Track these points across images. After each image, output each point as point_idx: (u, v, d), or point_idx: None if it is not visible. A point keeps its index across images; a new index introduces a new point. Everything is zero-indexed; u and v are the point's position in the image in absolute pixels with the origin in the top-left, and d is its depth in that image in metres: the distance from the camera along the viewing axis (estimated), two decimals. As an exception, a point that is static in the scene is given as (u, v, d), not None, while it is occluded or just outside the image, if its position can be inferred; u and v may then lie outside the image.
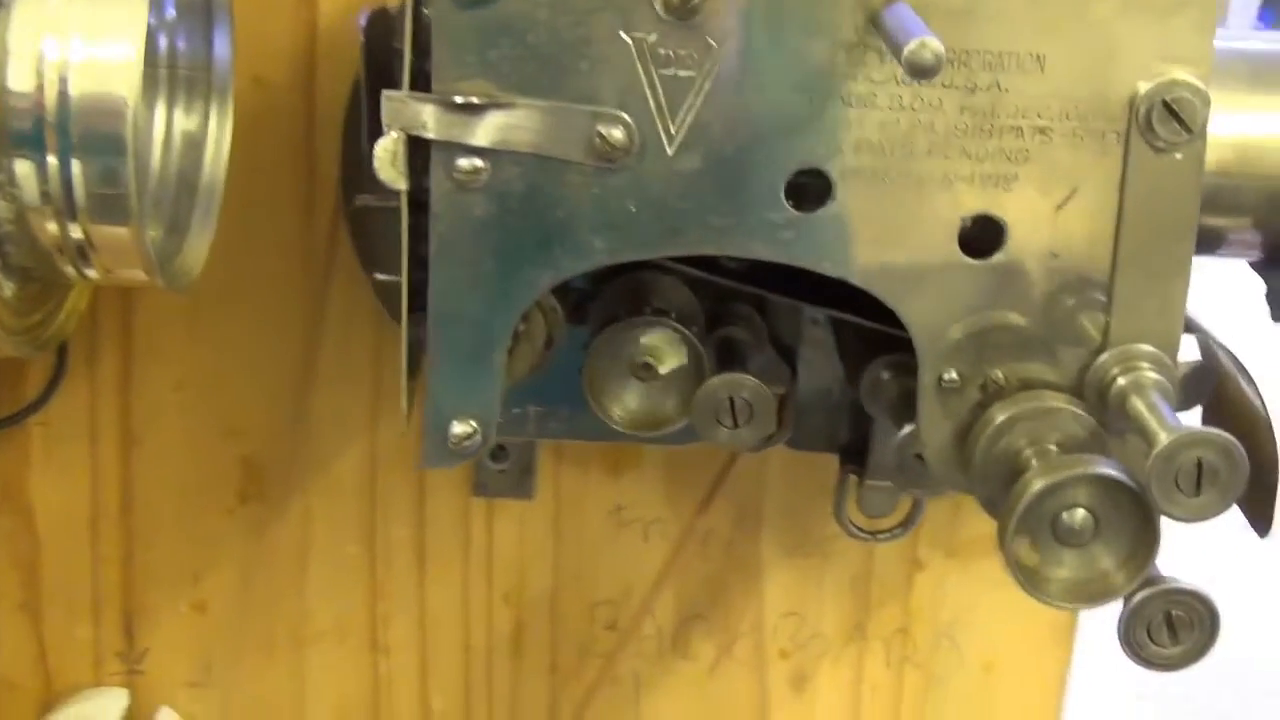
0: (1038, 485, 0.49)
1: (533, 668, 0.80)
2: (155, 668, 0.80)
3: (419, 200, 0.53)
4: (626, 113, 0.51)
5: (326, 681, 0.80)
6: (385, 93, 0.51)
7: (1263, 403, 0.57)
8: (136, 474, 0.77)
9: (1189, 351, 0.58)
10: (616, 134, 0.51)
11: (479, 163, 0.51)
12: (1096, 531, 0.49)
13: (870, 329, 0.58)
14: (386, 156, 0.51)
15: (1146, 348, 0.53)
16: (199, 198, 0.62)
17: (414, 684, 0.80)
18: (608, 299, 0.61)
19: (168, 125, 0.63)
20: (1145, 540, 0.49)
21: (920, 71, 0.44)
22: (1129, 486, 0.49)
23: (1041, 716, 0.82)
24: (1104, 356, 0.53)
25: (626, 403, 0.58)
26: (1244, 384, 0.58)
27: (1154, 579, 0.49)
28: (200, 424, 0.76)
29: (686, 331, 0.58)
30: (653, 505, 0.78)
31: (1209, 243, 0.57)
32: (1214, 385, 0.56)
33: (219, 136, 0.63)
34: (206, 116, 0.63)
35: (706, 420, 0.57)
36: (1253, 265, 0.59)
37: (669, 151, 0.51)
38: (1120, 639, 0.49)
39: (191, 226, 0.61)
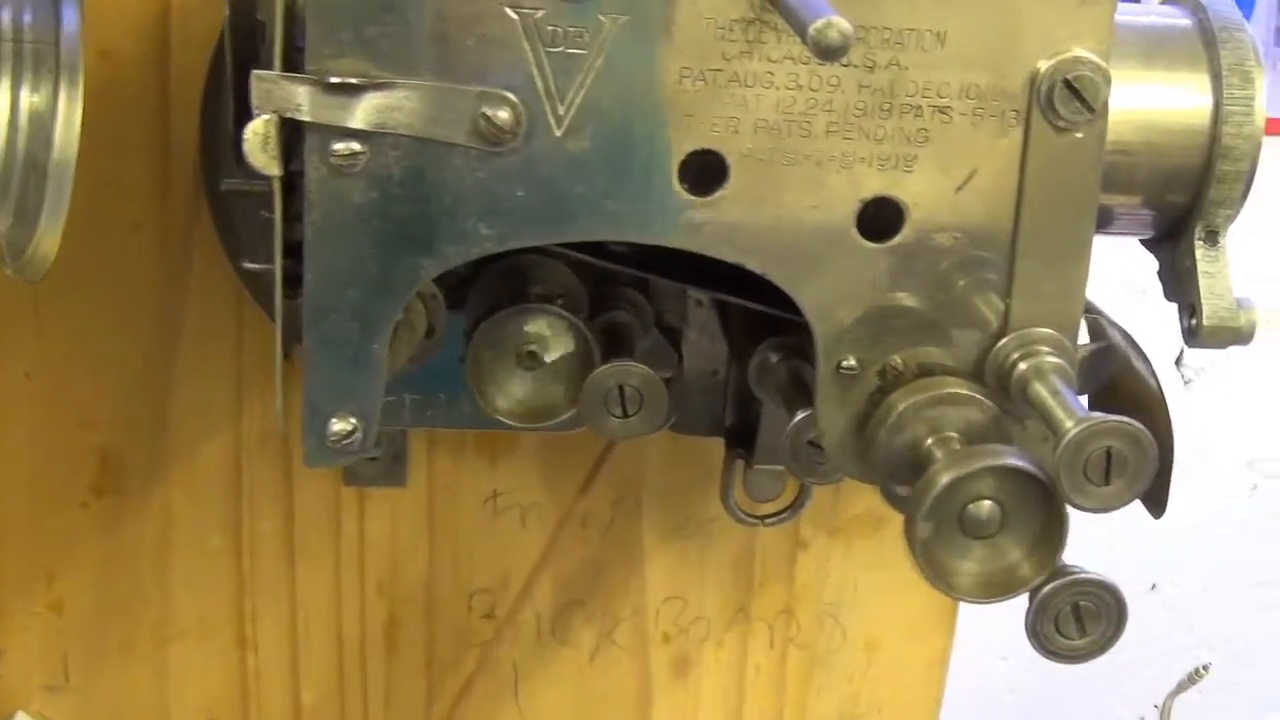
0: (944, 478, 0.48)
1: (408, 660, 0.78)
2: (9, 671, 0.76)
3: (292, 184, 0.50)
4: (513, 93, 0.49)
5: (191, 680, 0.77)
6: (255, 73, 0.48)
7: (1157, 383, 0.56)
8: (-16, 469, 0.73)
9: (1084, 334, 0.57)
10: (502, 115, 0.48)
11: (356, 146, 0.48)
12: (1004, 523, 0.48)
13: (757, 310, 0.56)
14: (257, 140, 0.48)
15: (1047, 331, 0.52)
16: (49, 180, 0.58)
17: (284, 679, 0.77)
18: (487, 284, 0.59)
19: (13, 103, 0.59)
20: (1053, 531, 0.48)
21: (827, 52, 0.42)
22: (1037, 477, 0.47)
23: (924, 692, 0.81)
24: (1004, 341, 0.52)
25: (511, 393, 0.56)
26: (1138, 364, 0.57)
27: (1061, 570, 0.48)
28: (52, 415, 0.72)
29: (573, 318, 0.55)
30: (530, 490, 0.76)
31: (1102, 220, 0.56)
32: (1112, 369, 0.55)
33: (69, 114, 0.59)
34: (55, 93, 0.59)
35: (596, 410, 0.55)
36: (1145, 243, 0.58)
37: (558, 133, 0.49)
38: (1028, 631, 0.48)
39: (42, 212, 0.57)
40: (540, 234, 0.50)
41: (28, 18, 0.58)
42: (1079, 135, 0.50)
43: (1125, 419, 0.46)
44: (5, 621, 0.75)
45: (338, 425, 0.51)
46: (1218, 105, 0.54)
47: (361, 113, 0.48)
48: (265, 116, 0.48)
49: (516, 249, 0.52)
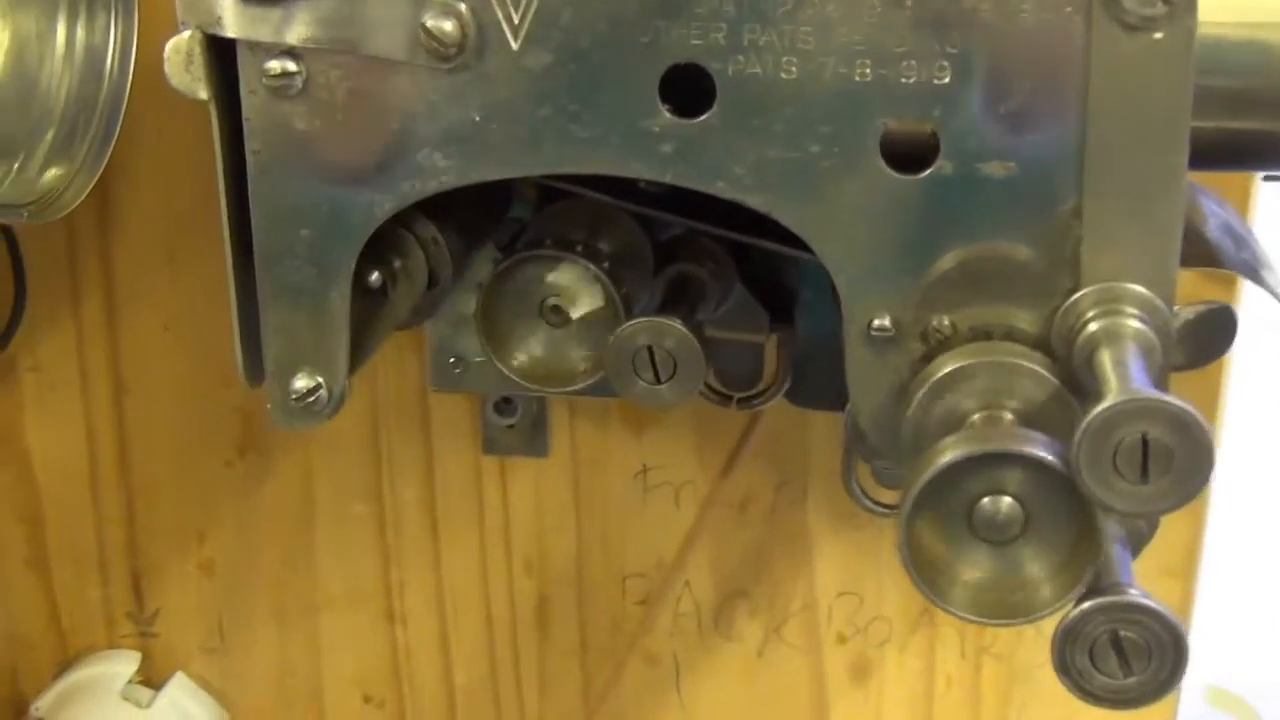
0: (949, 457, 0.38)
1: (561, 644, 0.72)
2: (167, 630, 0.74)
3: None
4: (460, -1, 0.42)
5: (343, 652, 0.73)
6: (177, -17, 0.43)
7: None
8: (130, 423, 0.71)
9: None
10: (446, 26, 0.42)
11: (291, 65, 0.43)
12: (1026, 528, 0.38)
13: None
14: (179, 59, 0.43)
15: (1132, 288, 0.41)
16: (97, 118, 0.55)
17: (435, 658, 0.73)
18: (535, 229, 0.52)
19: (68, 37, 0.56)
20: (1087, 546, 0.37)
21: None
22: (1066, 476, 0.37)
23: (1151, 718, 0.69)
24: (1075, 297, 0.41)
25: (529, 350, 0.49)
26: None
27: (1099, 588, 0.38)
28: (192, 370, 0.70)
29: (597, 268, 0.48)
30: (683, 466, 0.68)
31: (1245, 151, 0.44)
32: (1234, 336, 0.43)
33: (123, 48, 0.56)
34: (110, 26, 0.56)
35: (622, 371, 0.48)
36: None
37: (514, 46, 0.42)
38: (1055, 664, 0.38)
39: (83, 150, 0.55)
40: (503, 165, 0.43)
41: (80, -52, 0.55)
42: (1157, 36, 0.39)
43: (1174, 399, 0.36)
44: (161, 580, 0.74)
45: (300, 382, 0.46)
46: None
47: (291, 26, 0.42)
48: (189, 32, 0.43)
49: (566, 187, 0.46)
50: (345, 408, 0.68)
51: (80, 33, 0.56)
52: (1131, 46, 0.39)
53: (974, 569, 0.38)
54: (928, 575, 0.38)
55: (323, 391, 0.46)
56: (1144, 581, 0.66)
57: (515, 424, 0.68)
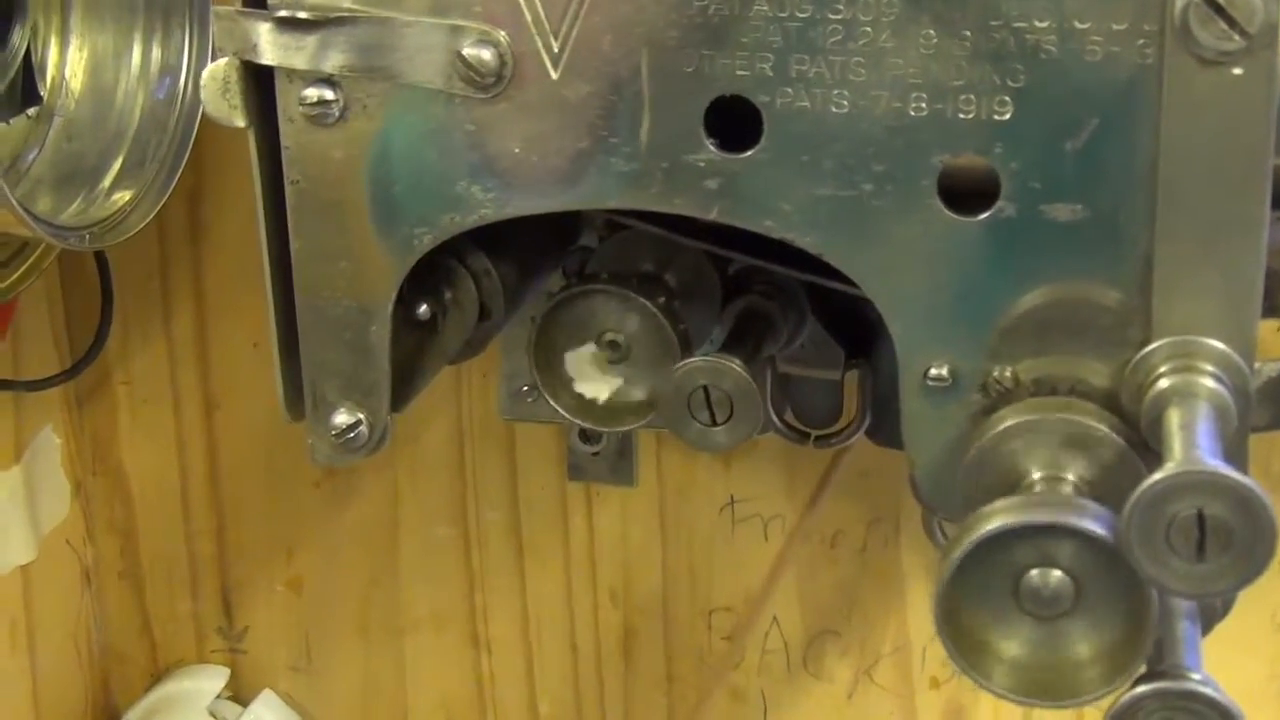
0: (995, 524, 0.35)
1: (646, 677, 0.70)
2: (256, 647, 0.74)
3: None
4: (499, 26, 0.40)
5: (427, 675, 0.72)
6: (215, 9, 0.42)
7: None
8: (220, 439, 0.71)
9: None
10: (484, 55, 0.40)
11: (328, 93, 0.41)
12: (1077, 604, 0.35)
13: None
14: (215, 86, 0.42)
15: (1209, 343, 0.38)
16: (168, 140, 0.55)
17: (519, 685, 0.71)
18: (600, 259, 0.50)
19: (144, 58, 0.55)
20: (1140, 629, 0.34)
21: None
22: (1120, 552, 0.34)
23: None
24: (1146, 351, 0.38)
25: (581, 385, 0.47)
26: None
27: (1158, 671, 0.35)
28: (280, 388, 0.69)
29: (654, 303, 0.46)
30: (772, 499, 0.66)
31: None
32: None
33: (198, 68, 0.55)
34: (184, 45, 0.55)
35: (677, 412, 0.46)
36: None
37: (553, 75, 0.40)
38: (1103, 753, 0.35)
39: (154, 173, 0.54)
40: (544, 199, 0.41)
41: (158, -32, 0.55)
42: (1236, 71, 0.36)
43: (1232, 472, 0.33)
44: (250, 597, 0.73)
45: (340, 417, 0.45)
46: None
47: (327, 54, 0.41)
48: (226, 59, 0.42)
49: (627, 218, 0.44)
50: (431, 431, 0.68)
51: (156, 52, 0.56)
52: (1207, 82, 0.36)
53: (1017, 644, 0.35)
54: (965, 647, 0.35)
55: (363, 428, 0.44)
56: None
57: (600, 452, 0.66)
